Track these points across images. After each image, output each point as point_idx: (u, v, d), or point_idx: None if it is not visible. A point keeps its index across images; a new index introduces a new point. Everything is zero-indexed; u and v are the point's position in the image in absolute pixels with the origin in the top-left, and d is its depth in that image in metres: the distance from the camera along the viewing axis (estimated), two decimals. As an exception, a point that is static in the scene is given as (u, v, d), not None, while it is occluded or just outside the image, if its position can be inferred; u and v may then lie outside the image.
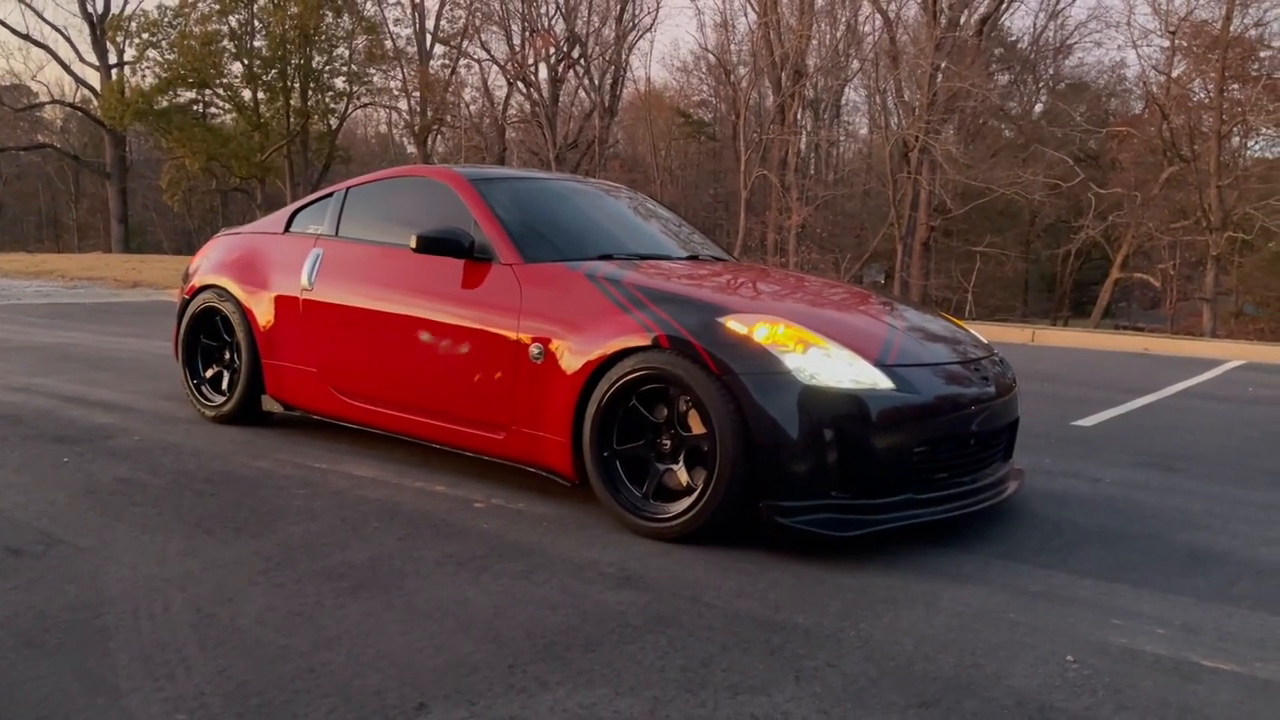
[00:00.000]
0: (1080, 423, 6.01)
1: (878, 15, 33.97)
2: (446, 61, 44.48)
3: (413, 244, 4.03)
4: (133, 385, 6.08)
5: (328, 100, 44.99)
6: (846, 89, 37.05)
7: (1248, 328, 29.35)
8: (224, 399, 4.94)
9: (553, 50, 40.27)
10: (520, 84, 42.21)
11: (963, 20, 32.17)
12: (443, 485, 3.99)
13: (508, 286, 3.88)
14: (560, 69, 41.01)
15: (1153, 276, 29.92)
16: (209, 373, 5.12)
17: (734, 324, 3.35)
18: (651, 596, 2.87)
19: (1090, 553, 3.44)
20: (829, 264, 32.42)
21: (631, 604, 2.80)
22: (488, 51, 42.68)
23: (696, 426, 3.36)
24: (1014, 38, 38.39)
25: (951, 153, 27.44)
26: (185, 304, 5.14)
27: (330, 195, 4.82)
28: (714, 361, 3.25)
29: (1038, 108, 35.82)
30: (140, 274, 16.02)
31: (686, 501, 3.33)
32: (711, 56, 39.47)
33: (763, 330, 3.32)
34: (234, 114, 43.55)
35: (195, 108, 44.11)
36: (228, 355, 5.02)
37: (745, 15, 39.02)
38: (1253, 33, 29.02)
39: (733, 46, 38.96)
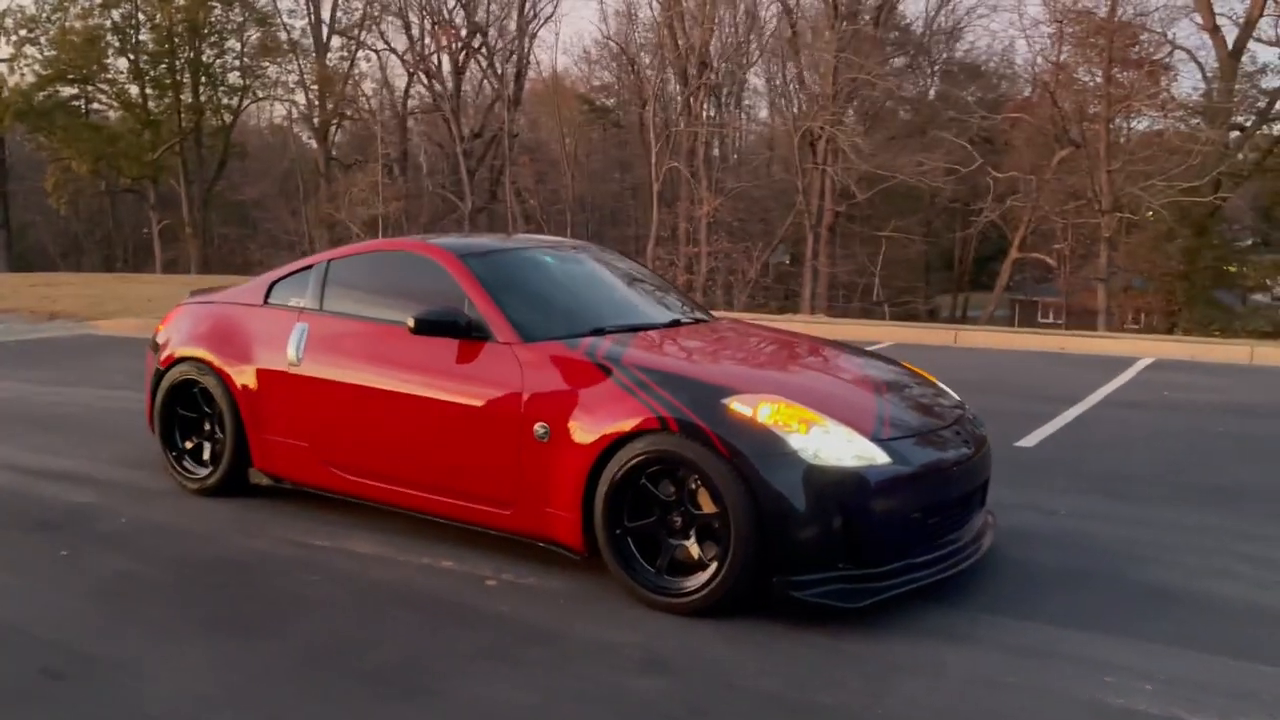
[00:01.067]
0: (1022, 443, 6.38)
1: (778, 2, 34.59)
2: (345, 53, 43.62)
3: (410, 325, 4.13)
4: (95, 450, 5.95)
5: (220, 95, 43.67)
6: (749, 75, 37.44)
7: (1136, 301, 30.93)
8: (208, 472, 4.94)
9: (454, 41, 39.76)
10: (422, 75, 41.66)
11: (861, 5, 32.85)
12: (449, 561, 4.10)
13: (507, 366, 4.00)
14: (462, 59, 40.57)
15: (1048, 256, 31.21)
16: (188, 444, 5.10)
17: (738, 405, 3.54)
18: (681, 683, 3.05)
19: (1061, 599, 3.74)
20: (740, 252, 32.95)
21: (664, 693, 2.98)
22: (387, 43, 42.01)
23: (706, 504, 3.54)
24: (907, 21, 39.40)
25: (858, 144, 28.06)
26: (160, 375, 5.11)
27: (310, 267, 4.84)
28: (723, 445, 3.44)
29: (932, 92, 36.85)
30: (55, 302, 15.40)
31: (703, 577, 3.51)
32: (614, 45, 39.49)
33: (765, 410, 3.52)
34: (121, 112, 41.95)
35: (78, 104, 42.32)
36: (208, 427, 5.01)
37: (650, 5, 38.88)
38: (1137, 19, 30.34)
39: (636, 36, 39.14)
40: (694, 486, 3.57)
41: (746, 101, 38.05)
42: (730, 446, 3.43)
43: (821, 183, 31.73)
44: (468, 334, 4.12)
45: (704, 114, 34.41)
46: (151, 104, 41.80)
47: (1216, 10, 31.09)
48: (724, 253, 32.90)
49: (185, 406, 5.09)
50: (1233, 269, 32.48)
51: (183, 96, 41.78)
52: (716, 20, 33.96)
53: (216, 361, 4.86)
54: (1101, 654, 3.26)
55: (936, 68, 36.99)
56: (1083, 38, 30.42)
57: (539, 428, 3.87)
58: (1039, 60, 32.68)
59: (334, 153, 44.06)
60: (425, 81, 41.53)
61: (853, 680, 3.08)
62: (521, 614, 3.57)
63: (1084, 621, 3.53)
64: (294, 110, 46.15)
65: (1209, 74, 31.67)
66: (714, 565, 3.50)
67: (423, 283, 4.43)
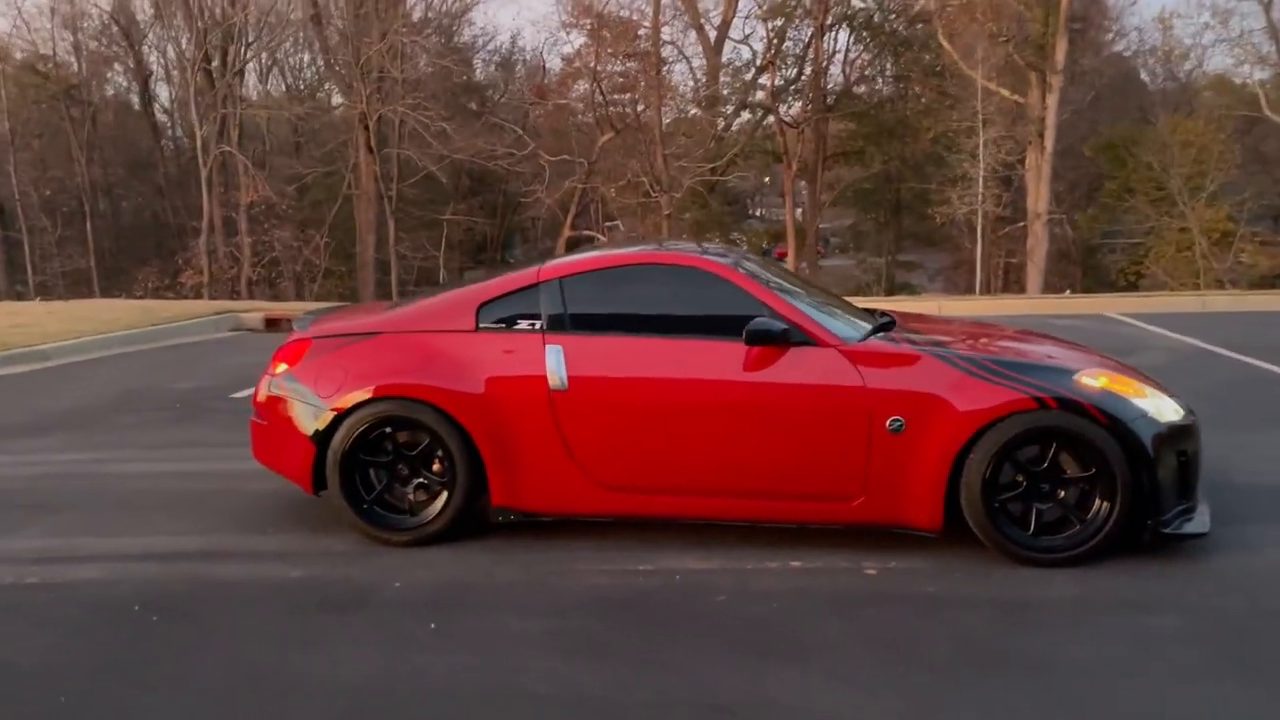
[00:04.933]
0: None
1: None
2: None
3: (744, 338, 4.16)
4: (174, 524, 4.77)
5: None
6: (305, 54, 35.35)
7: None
8: (429, 517, 4.36)
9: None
10: None
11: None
12: (799, 562, 4.20)
13: (841, 367, 4.21)
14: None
15: (601, 233, 33.92)
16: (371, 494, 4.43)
17: (1087, 380, 4.19)
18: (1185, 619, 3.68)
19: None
20: (303, 241, 31.37)
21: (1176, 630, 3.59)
22: None
23: (1070, 469, 4.15)
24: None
25: (422, 130, 28.14)
26: (338, 419, 4.34)
27: (535, 286, 4.45)
28: (1100, 413, 4.07)
29: (480, 76, 37.82)
30: None
31: (1084, 531, 4.10)
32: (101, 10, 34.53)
33: (1104, 381, 4.22)
34: None
35: None
36: (404, 470, 4.41)
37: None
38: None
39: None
40: (1055, 453, 4.14)
41: (293, 82, 35.83)
42: (1107, 414, 4.07)
43: (378, 168, 31.21)
44: (788, 341, 4.23)
45: (237, 93, 31.89)
46: None
47: (701, 10, 36.04)
48: (284, 243, 31.07)
49: (370, 452, 4.41)
50: (734, 238, 38.02)
51: None
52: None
53: (438, 397, 4.30)
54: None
55: (476, 53, 37.79)
56: (593, 29, 33.24)
57: (892, 421, 4.16)
58: (549, 50, 35.02)
59: None
60: None
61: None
62: (961, 596, 3.88)
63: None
64: None
65: (695, 69, 36.62)
66: (1091, 519, 4.10)
67: (692, 295, 4.43)
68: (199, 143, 29.26)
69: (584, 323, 4.43)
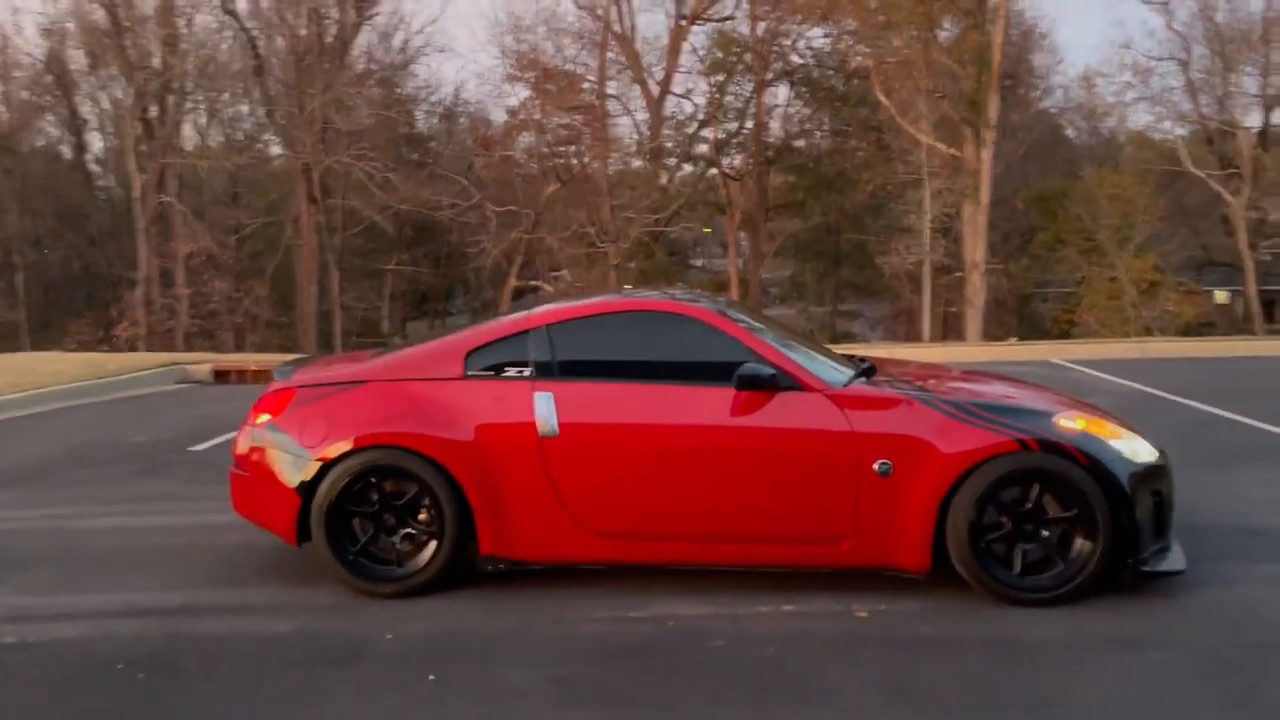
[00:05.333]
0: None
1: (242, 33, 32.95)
2: None
3: (735, 383, 4.22)
4: (161, 580, 4.65)
5: None
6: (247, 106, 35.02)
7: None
8: (416, 568, 4.31)
9: None
10: None
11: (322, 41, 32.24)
12: (790, 606, 4.22)
13: (827, 412, 4.28)
14: None
15: (546, 283, 33.95)
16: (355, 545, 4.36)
17: (1065, 422, 4.31)
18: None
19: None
20: (243, 292, 30.94)
21: (1165, 663, 3.69)
22: None
23: (1052, 509, 4.24)
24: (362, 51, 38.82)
25: (366, 181, 28.10)
26: (324, 469, 4.28)
27: (524, 333, 4.46)
28: (1081, 454, 4.19)
29: (423, 127, 37.83)
30: None
31: (1068, 571, 4.20)
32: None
33: (1082, 424, 4.34)
34: None
35: None
36: (390, 520, 4.36)
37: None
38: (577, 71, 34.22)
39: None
40: (1037, 495, 4.24)
41: (241, 131, 35.45)
42: (1087, 455, 4.19)
43: (323, 219, 31.00)
44: (776, 386, 4.29)
45: (175, 143, 31.53)
46: None
47: (644, 65, 36.66)
48: (223, 294, 30.61)
49: (355, 502, 4.36)
50: (683, 287, 38.34)
51: None
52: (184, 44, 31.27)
53: (428, 446, 4.27)
54: None
55: (419, 103, 37.84)
56: (538, 83, 33.60)
57: (880, 464, 4.23)
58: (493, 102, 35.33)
59: None
60: None
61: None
62: (952, 637, 3.94)
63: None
64: None
65: (639, 122, 37.15)
66: (1073, 559, 4.20)
67: (680, 342, 4.49)
68: (137, 193, 28.78)
69: (573, 369, 4.45)
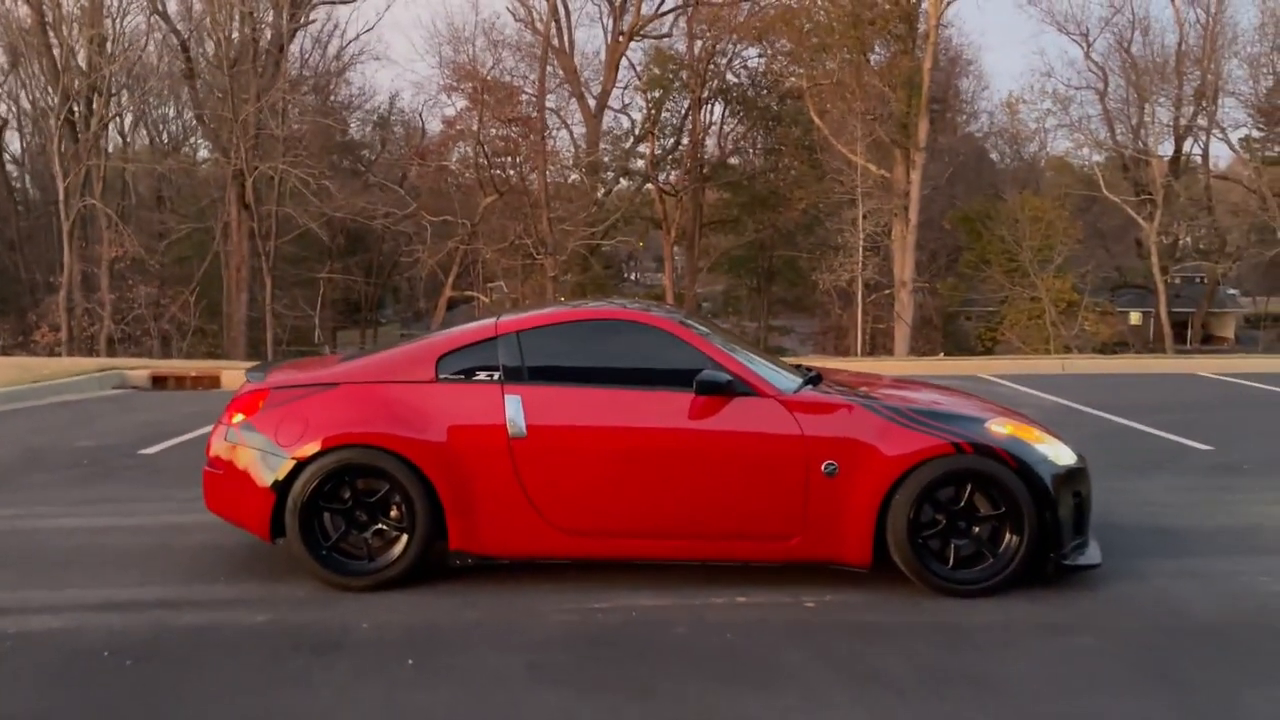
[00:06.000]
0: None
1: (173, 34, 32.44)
2: None
3: (695, 388, 4.50)
4: (137, 575, 4.75)
5: None
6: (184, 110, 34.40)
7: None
8: (387, 562, 4.49)
9: None
10: None
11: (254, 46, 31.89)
12: (743, 598, 4.50)
13: (779, 416, 4.58)
14: None
15: (482, 294, 33.99)
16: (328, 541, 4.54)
17: (995, 428, 4.68)
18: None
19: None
20: (169, 298, 30.38)
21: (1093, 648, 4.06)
22: None
23: (984, 507, 4.60)
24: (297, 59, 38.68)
25: (302, 187, 27.88)
26: (299, 467, 4.43)
27: (492, 339, 4.68)
28: (1011, 457, 4.55)
29: (356, 135, 37.61)
30: None
31: (997, 564, 4.55)
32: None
33: (1010, 429, 4.71)
34: None
35: None
36: (362, 516, 4.55)
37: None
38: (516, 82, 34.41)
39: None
40: (968, 494, 4.60)
41: (167, 134, 34.83)
42: (1016, 458, 4.56)
43: (255, 225, 30.61)
44: (732, 391, 4.58)
45: (102, 144, 30.89)
46: None
47: (583, 79, 37.03)
48: (149, 300, 30.02)
49: (327, 499, 4.53)
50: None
51: None
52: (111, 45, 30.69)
53: (401, 445, 4.46)
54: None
55: (351, 112, 37.65)
56: (475, 94, 33.70)
57: (827, 466, 4.55)
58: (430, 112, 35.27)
59: None
60: None
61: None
62: (891, 632, 4.26)
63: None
64: None
65: (577, 136, 37.49)
66: (1002, 553, 4.55)
67: (641, 349, 4.76)
68: (61, 195, 28.09)
69: (541, 374, 4.69)
